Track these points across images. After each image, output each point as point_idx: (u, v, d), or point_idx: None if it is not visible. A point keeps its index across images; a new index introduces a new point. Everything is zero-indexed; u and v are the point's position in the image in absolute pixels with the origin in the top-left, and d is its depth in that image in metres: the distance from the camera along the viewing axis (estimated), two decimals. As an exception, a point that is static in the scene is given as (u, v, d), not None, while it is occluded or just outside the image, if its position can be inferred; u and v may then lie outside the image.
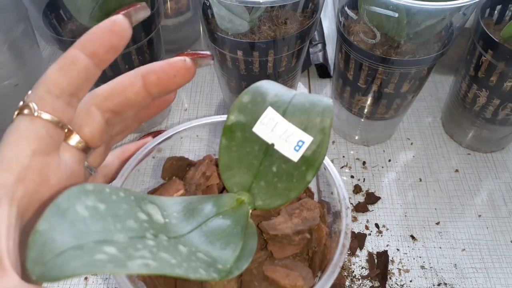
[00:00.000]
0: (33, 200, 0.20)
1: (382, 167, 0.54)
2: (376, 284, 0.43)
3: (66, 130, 0.22)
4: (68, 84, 0.20)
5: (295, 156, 0.21)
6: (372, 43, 0.44)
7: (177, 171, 0.26)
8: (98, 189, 0.17)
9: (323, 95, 0.21)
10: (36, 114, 0.20)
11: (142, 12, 0.23)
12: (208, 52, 0.24)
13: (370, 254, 0.45)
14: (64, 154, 0.22)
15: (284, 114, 0.21)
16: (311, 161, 0.21)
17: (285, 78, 0.50)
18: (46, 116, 0.20)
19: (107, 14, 0.47)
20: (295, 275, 0.21)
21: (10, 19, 0.46)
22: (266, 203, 0.22)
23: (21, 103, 0.21)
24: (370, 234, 0.47)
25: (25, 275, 0.17)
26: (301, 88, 0.63)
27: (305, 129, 0.21)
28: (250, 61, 0.47)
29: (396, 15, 0.40)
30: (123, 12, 0.22)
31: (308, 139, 0.20)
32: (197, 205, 0.21)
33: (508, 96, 0.46)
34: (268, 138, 0.21)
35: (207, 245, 0.19)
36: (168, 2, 0.60)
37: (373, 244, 0.46)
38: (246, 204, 0.22)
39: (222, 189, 0.25)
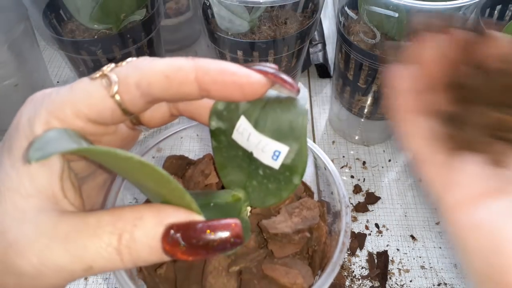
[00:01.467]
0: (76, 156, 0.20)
1: (382, 167, 0.54)
2: (376, 284, 0.43)
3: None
4: (160, 93, 0.19)
5: (275, 164, 0.20)
6: (372, 43, 0.44)
7: (177, 170, 0.26)
8: None
9: (303, 98, 0.20)
10: (112, 94, 0.19)
11: (287, 90, 0.20)
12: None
13: (370, 254, 0.45)
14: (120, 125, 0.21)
15: (256, 124, 0.20)
16: (293, 168, 0.20)
17: (285, 78, 0.50)
18: (120, 101, 0.19)
19: (107, 14, 0.47)
20: (295, 273, 0.21)
21: (10, 19, 0.46)
22: (261, 201, 0.22)
23: (111, 66, 0.19)
24: (370, 234, 0.47)
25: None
26: (301, 88, 0.63)
27: (279, 139, 0.20)
28: (250, 61, 0.47)
29: (396, 15, 0.40)
30: (271, 72, 0.19)
31: (284, 149, 0.20)
32: (191, 194, 0.22)
33: (508, 96, 0.46)
34: (246, 146, 0.21)
35: None
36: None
37: (373, 244, 0.46)
38: (242, 201, 0.22)
39: (222, 188, 0.25)
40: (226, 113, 0.21)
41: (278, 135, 0.20)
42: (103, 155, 0.16)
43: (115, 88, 0.19)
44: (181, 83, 0.18)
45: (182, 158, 0.27)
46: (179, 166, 0.26)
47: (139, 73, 0.19)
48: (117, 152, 0.15)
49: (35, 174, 0.18)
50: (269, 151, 0.20)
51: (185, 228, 0.16)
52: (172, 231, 0.16)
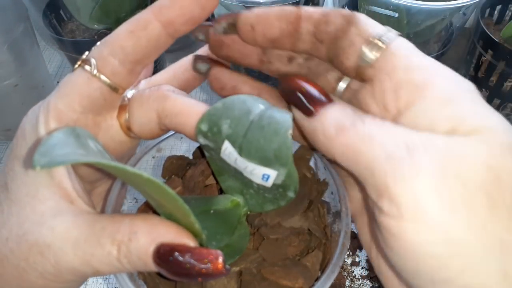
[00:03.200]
0: None
1: (382, 167, 0.53)
2: (376, 284, 0.43)
3: (122, 103, 0.22)
4: (134, 51, 0.20)
5: (266, 184, 0.20)
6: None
7: (177, 170, 0.26)
8: (106, 150, 0.18)
9: (284, 119, 0.19)
10: (94, 73, 0.20)
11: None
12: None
13: (370, 254, 0.45)
14: (115, 123, 0.22)
15: (240, 150, 0.20)
16: (285, 186, 0.20)
17: (285, 78, 0.50)
18: (104, 78, 0.20)
19: (107, 14, 0.47)
20: (295, 274, 0.21)
21: (10, 19, 0.46)
22: (259, 207, 0.22)
23: (86, 53, 0.20)
24: (370, 234, 0.47)
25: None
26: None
27: (265, 165, 0.20)
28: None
29: (396, 15, 0.40)
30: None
31: (272, 173, 0.20)
32: (191, 201, 0.22)
33: (508, 96, 0.46)
34: (235, 166, 0.21)
35: None
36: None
37: (373, 244, 0.46)
38: (241, 206, 0.22)
39: (221, 190, 0.25)
40: (211, 135, 0.20)
41: (264, 162, 0.20)
42: (112, 169, 0.16)
43: (94, 64, 0.19)
44: (145, 29, 0.19)
45: (182, 158, 0.27)
46: (179, 166, 0.26)
47: (109, 44, 0.20)
48: (126, 168, 0.15)
49: (47, 179, 0.19)
50: (257, 174, 0.20)
51: (171, 251, 0.17)
52: (161, 251, 0.17)
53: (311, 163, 0.25)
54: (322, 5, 0.48)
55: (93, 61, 0.20)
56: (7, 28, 0.46)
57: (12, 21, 0.47)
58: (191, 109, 0.21)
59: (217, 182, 0.24)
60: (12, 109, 0.49)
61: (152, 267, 0.17)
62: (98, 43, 0.20)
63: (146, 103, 0.21)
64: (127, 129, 0.22)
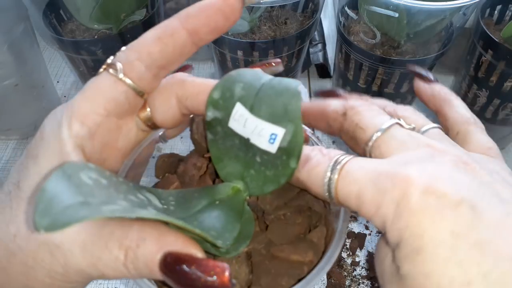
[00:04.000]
0: (97, 159, 0.21)
1: (382, 167, 0.53)
2: (376, 284, 0.43)
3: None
4: (161, 56, 0.20)
5: (272, 148, 0.21)
6: (372, 43, 0.44)
7: (169, 167, 0.26)
8: (99, 169, 0.18)
9: (294, 80, 0.21)
10: (121, 76, 0.20)
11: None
12: (277, 60, 0.25)
13: (370, 254, 0.45)
14: (134, 123, 0.23)
15: (252, 109, 0.21)
16: (289, 151, 0.20)
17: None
18: (129, 82, 0.20)
19: (107, 14, 0.47)
20: (304, 248, 0.21)
21: (10, 19, 0.46)
22: (260, 190, 0.22)
23: (111, 58, 0.21)
24: (370, 234, 0.47)
25: None
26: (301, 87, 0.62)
27: (275, 122, 0.20)
28: (250, 61, 0.47)
29: (396, 15, 0.40)
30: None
31: (280, 131, 0.20)
32: (194, 194, 0.22)
33: (508, 96, 0.46)
34: (243, 133, 0.21)
35: (206, 226, 0.20)
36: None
37: (373, 244, 0.46)
38: (242, 191, 0.22)
39: (215, 179, 0.25)
40: (222, 102, 0.21)
41: (274, 118, 0.20)
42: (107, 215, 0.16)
43: (120, 68, 0.20)
44: (172, 36, 0.20)
45: (173, 155, 0.27)
46: (171, 163, 0.27)
47: (137, 49, 0.20)
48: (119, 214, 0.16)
49: None
50: (265, 135, 0.20)
51: (178, 260, 0.17)
52: (168, 259, 0.17)
53: None
54: (322, 5, 0.48)
55: (119, 65, 0.20)
56: (7, 28, 0.46)
57: (12, 21, 0.47)
58: (211, 86, 0.21)
59: (216, 172, 0.24)
60: (12, 109, 0.50)
61: (157, 275, 0.17)
62: (123, 48, 0.21)
63: (164, 90, 0.22)
64: (147, 124, 0.23)
